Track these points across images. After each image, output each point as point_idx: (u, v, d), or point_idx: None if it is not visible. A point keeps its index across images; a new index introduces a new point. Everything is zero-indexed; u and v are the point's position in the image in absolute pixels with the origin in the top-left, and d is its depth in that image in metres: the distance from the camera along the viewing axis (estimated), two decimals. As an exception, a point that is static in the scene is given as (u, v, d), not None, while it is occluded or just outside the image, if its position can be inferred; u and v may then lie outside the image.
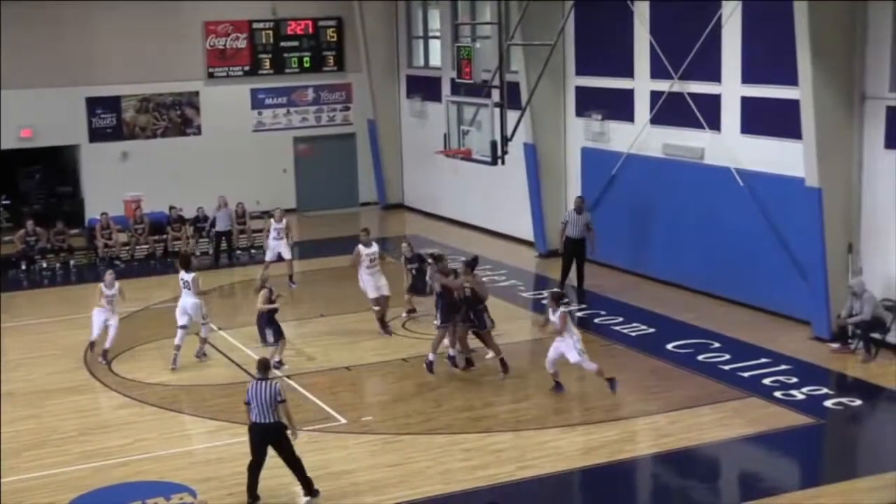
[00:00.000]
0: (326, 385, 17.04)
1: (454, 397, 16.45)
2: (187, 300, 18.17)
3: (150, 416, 15.86)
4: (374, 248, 19.83)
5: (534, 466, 13.78)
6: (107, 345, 18.38)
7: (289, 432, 12.78)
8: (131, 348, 19.20)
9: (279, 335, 17.66)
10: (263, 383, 12.63)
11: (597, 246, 22.21)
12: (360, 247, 19.63)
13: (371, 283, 19.49)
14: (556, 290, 16.50)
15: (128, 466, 14.09)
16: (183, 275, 18.21)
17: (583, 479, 13.82)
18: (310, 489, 12.97)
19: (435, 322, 17.65)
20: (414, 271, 19.98)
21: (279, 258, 23.16)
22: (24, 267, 25.32)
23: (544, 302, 21.67)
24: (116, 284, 18.64)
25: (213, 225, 26.04)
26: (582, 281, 22.56)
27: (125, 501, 13.05)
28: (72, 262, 25.84)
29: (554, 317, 16.11)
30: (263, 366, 12.92)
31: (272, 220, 23.59)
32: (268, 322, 17.60)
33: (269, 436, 12.70)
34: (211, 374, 17.62)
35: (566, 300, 16.18)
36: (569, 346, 16.05)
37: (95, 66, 29.02)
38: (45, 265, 25.54)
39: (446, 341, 17.45)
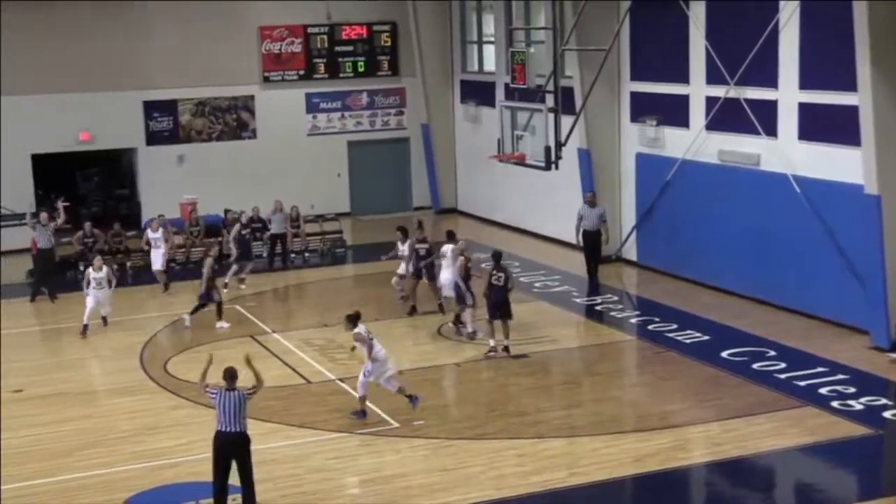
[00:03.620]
0: (380, 389, 17.01)
1: (506, 402, 16.39)
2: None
3: (204, 417, 15.90)
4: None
5: (586, 473, 13.68)
6: (103, 312, 20.75)
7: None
8: (186, 350, 19.36)
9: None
10: (231, 393, 12.49)
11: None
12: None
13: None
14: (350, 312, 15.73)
15: (180, 467, 14.18)
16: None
17: (635, 486, 13.71)
18: None
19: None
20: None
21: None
22: (81, 268, 25.60)
23: (598, 308, 21.59)
24: (104, 268, 20.74)
25: (267, 227, 26.17)
26: (595, 273, 23.25)
27: (178, 502, 13.16)
28: (128, 264, 26.10)
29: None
30: (231, 375, 12.67)
31: (148, 229, 24.16)
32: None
33: (232, 446, 12.49)
34: (264, 377, 17.62)
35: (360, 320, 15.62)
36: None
37: (153, 70, 29.35)
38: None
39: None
